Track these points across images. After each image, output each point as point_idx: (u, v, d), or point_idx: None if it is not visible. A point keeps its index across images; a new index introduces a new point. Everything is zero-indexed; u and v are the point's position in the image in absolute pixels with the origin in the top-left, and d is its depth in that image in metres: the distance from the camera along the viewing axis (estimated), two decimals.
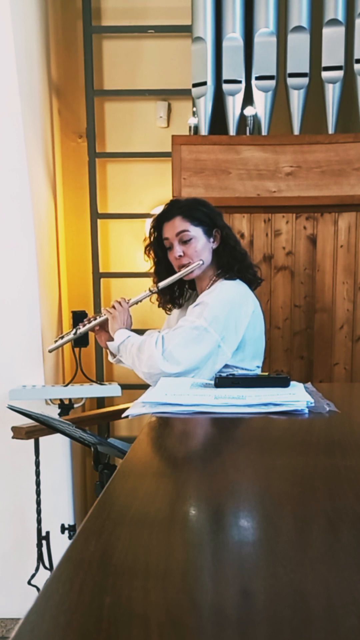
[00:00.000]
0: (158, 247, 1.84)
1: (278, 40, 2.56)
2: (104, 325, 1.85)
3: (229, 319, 1.68)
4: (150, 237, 1.84)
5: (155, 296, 1.88)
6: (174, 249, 1.77)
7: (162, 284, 1.82)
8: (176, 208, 1.79)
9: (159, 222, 1.81)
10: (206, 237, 1.78)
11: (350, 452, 0.96)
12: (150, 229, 1.84)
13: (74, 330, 1.85)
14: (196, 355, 1.63)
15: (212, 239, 1.80)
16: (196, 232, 1.76)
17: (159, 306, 1.92)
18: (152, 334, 1.72)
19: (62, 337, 1.89)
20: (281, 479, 0.83)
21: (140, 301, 1.85)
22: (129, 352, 1.70)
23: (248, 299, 1.75)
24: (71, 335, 1.86)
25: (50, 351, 1.92)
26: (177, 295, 1.91)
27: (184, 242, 1.76)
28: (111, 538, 0.60)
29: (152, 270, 1.90)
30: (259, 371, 1.81)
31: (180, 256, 1.77)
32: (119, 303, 1.82)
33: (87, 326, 1.85)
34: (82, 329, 1.84)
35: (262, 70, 2.55)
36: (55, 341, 1.91)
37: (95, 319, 1.86)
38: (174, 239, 1.77)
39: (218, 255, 1.80)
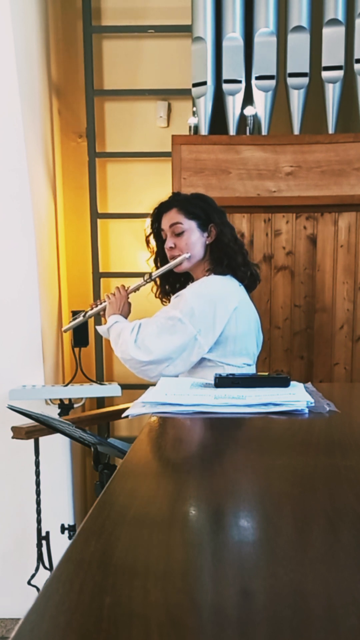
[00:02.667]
0: (157, 237, 1.88)
1: (278, 40, 2.56)
2: None
3: (206, 313, 1.69)
4: (152, 226, 1.89)
5: (155, 287, 1.93)
6: (167, 240, 1.82)
7: (154, 274, 1.87)
8: (175, 200, 1.84)
9: (159, 212, 1.85)
10: (200, 231, 1.81)
11: (350, 452, 0.96)
12: (151, 219, 1.88)
13: (83, 313, 1.96)
14: (168, 345, 1.66)
15: (206, 234, 1.82)
16: (189, 226, 1.79)
17: (156, 296, 1.94)
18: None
19: (74, 319, 1.98)
20: (281, 479, 0.83)
21: (138, 289, 1.90)
22: (112, 337, 1.78)
23: (231, 295, 1.75)
24: (81, 318, 1.96)
25: (64, 331, 2.07)
26: (178, 287, 1.93)
27: (177, 234, 1.79)
28: (111, 538, 0.60)
29: (151, 260, 1.95)
30: (248, 369, 1.81)
31: (171, 248, 1.81)
32: (118, 290, 1.89)
33: (94, 310, 1.93)
34: (89, 312, 1.94)
35: (262, 70, 2.55)
36: (70, 322, 2.02)
37: (101, 303, 1.93)
38: (168, 231, 1.81)
39: (211, 251, 1.82)
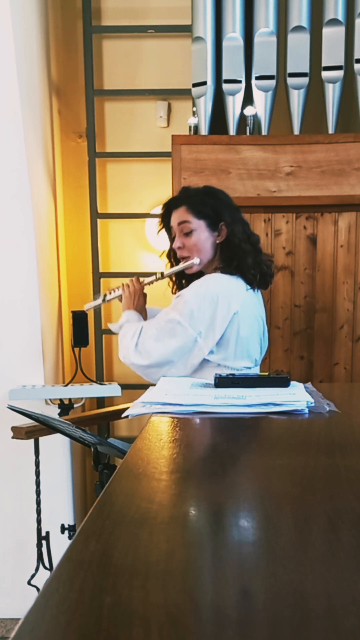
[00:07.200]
0: (168, 232, 1.86)
1: (278, 40, 2.56)
2: None
3: (206, 314, 1.66)
4: (162, 221, 1.86)
5: (171, 283, 1.92)
6: (175, 239, 1.79)
7: (166, 273, 1.86)
8: (184, 197, 1.80)
9: (168, 209, 1.82)
10: (209, 230, 1.76)
11: (350, 452, 0.96)
12: (162, 214, 1.86)
13: (103, 296, 1.97)
14: (167, 348, 1.65)
15: (216, 233, 1.77)
16: (198, 225, 1.75)
17: (172, 292, 1.93)
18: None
19: (95, 300, 2.00)
20: (281, 479, 0.83)
21: (151, 283, 1.89)
22: (119, 337, 1.78)
23: (233, 298, 1.69)
24: (100, 301, 1.97)
25: (86, 309, 2.09)
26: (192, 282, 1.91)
27: (185, 233, 1.76)
28: (111, 538, 0.60)
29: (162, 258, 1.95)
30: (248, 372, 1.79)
31: (179, 248, 1.78)
32: (133, 283, 1.88)
33: (112, 295, 1.93)
34: (108, 297, 1.94)
35: (262, 70, 2.56)
36: (91, 302, 2.04)
37: (118, 289, 1.93)
38: (176, 229, 1.78)
39: (222, 250, 1.78)
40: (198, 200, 1.77)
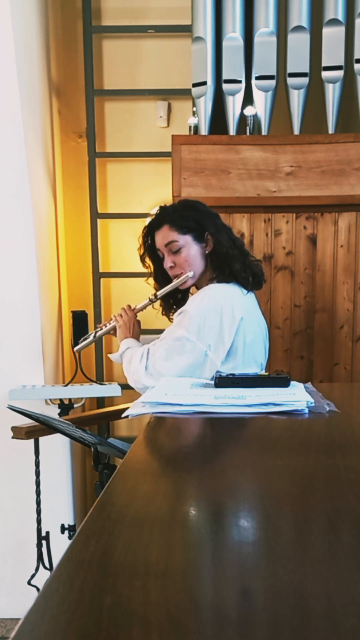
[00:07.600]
0: (153, 255, 1.82)
1: (278, 40, 2.56)
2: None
3: (212, 326, 1.63)
4: (144, 245, 1.82)
5: (158, 303, 1.87)
6: (165, 260, 1.76)
7: (159, 293, 1.81)
8: (165, 217, 1.77)
9: (150, 230, 1.79)
10: (197, 243, 1.74)
11: (350, 452, 0.96)
12: (143, 237, 1.82)
13: (94, 333, 1.94)
14: (179, 366, 1.61)
15: (203, 244, 1.75)
16: (185, 241, 1.73)
17: (162, 314, 1.90)
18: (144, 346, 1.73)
19: (85, 339, 1.97)
20: (281, 479, 0.83)
21: (144, 308, 1.86)
22: (124, 364, 1.74)
23: (236, 304, 1.68)
24: (91, 338, 1.94)
25: (76, 351, 2.05)
26: (180, 298, 1.88)
27: (174, 252, 1.74)
28: (111, 538, 0.60)
29: (151, 277, 1.89)
30: None
31: (171, 267, 1.76)
32: (125, 311, 1.85)
33: (104, 330, 1.91)
34: (99, 332, 1.92)
35: (262, 70, 2.56)
36: (79, 342, 2.01)
37: (110, 323, 1.91)
38: (164, 250, 1.75)
39: (212, 260, 1.76)
40: (179, 216, 1.74)
